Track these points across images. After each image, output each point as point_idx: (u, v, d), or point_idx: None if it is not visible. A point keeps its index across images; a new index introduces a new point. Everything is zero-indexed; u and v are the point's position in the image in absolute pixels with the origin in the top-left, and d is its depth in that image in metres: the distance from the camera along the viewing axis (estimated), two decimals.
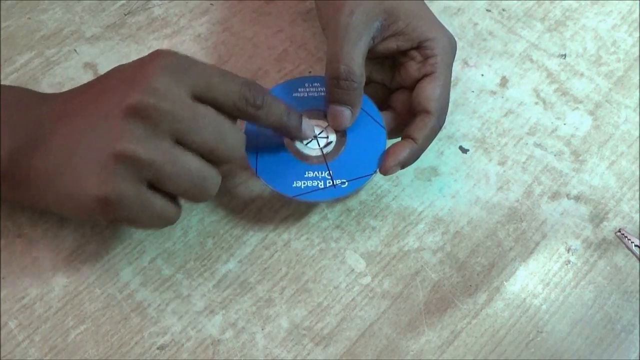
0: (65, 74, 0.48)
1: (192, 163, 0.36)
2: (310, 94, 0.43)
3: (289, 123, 0.39)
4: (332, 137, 0.42)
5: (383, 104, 0.44)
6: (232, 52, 0.50)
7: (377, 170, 0.41)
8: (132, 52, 0.49)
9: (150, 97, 0.34)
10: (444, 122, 0.42)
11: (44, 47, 0.49)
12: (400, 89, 0.44)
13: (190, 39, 0.50)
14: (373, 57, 0.43)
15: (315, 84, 0.44)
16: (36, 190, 0.37)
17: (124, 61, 0.35)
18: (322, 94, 0.43)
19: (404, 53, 0.43)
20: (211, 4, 0.52)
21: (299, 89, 0.43)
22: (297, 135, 0.41)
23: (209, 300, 0.41)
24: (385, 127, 0.43)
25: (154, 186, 0.35)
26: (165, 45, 0.49)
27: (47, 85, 0.47)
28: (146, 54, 0.37)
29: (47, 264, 0.41)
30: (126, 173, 0.34)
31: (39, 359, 0.38)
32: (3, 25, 0.49)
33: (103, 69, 0.48)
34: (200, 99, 0.36)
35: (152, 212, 0.36)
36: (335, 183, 0.41)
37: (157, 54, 0.36)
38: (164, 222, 0.37)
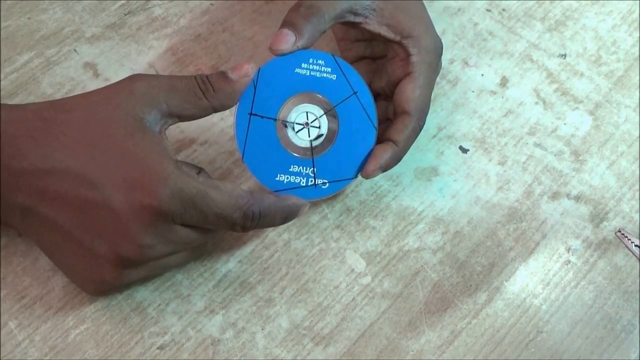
0: (65, 74, 0.48)
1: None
2: (312, 73, 0.42)
3: (288, 217, 0.40)
4: (324, 129, 0.41)
5: None
6: (232, 52, 0.50)
7: (358, 175, 0.41)
8: (132, 52, 0.49)
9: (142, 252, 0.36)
10: (424, 123, 0.42)
11: (44, 47, 0.49)
12: (377, 96, 0.44)
13: (190, 39, 0.50)
14: (362, 38, 0.44)
15: (320, 62, 0.42)
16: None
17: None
18: (325, 75, 0.41)
19: (389, 46, 0.43)
20: (211, 4, 0.52)
21: (303, 65, 0.42)
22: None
23: (209, 300, 0.41)
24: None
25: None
26: (165, 45, 0.49)
27: (47, 85, 0.47)
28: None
29: (47, 264, 0.41)
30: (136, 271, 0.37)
31: (39, 359, 0.38)
32: (3, 25, 0.49)
33: (103, 69, 0.48)
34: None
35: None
36: (317, 183, 0.41)
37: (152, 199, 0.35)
38: None
